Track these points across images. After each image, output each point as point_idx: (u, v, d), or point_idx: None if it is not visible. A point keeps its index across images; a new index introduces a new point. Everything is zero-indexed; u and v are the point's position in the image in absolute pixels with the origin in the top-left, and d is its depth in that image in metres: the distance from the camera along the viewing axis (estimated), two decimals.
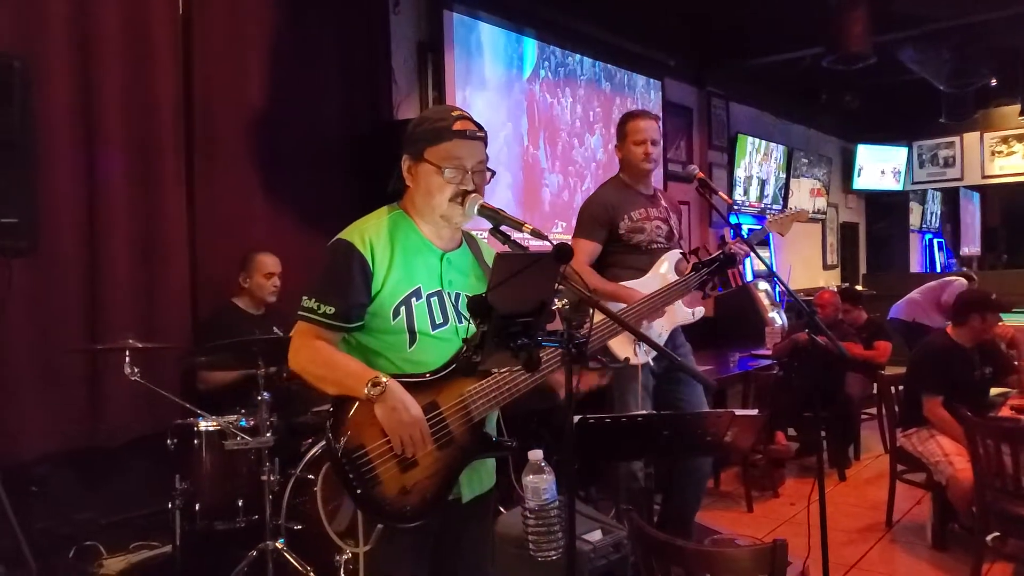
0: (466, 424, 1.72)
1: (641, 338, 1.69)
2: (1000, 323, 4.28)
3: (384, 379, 1.64)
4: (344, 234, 1.76)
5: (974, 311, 3.80)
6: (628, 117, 3.25)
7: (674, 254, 3.07)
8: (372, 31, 4.40)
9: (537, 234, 1.61)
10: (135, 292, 3.41)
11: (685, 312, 3.03)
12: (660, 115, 5.15)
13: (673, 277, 2.95)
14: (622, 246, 3.12)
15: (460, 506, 1.78)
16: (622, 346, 2.95)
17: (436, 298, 1.77)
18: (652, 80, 6.56)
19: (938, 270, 11.52)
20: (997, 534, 3.24)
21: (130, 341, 2.93)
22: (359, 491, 1.66)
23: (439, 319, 1.76)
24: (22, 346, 3.06)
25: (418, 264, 1.77)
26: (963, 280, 7.26)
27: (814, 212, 9.23)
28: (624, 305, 2.80)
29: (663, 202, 3.27)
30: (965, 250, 12.26)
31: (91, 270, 3.28)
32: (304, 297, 1.74)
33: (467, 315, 1.77)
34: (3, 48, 2.89)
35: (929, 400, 3.72)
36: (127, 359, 2.89)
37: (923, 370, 3.84)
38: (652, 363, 3.03)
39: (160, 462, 3.05)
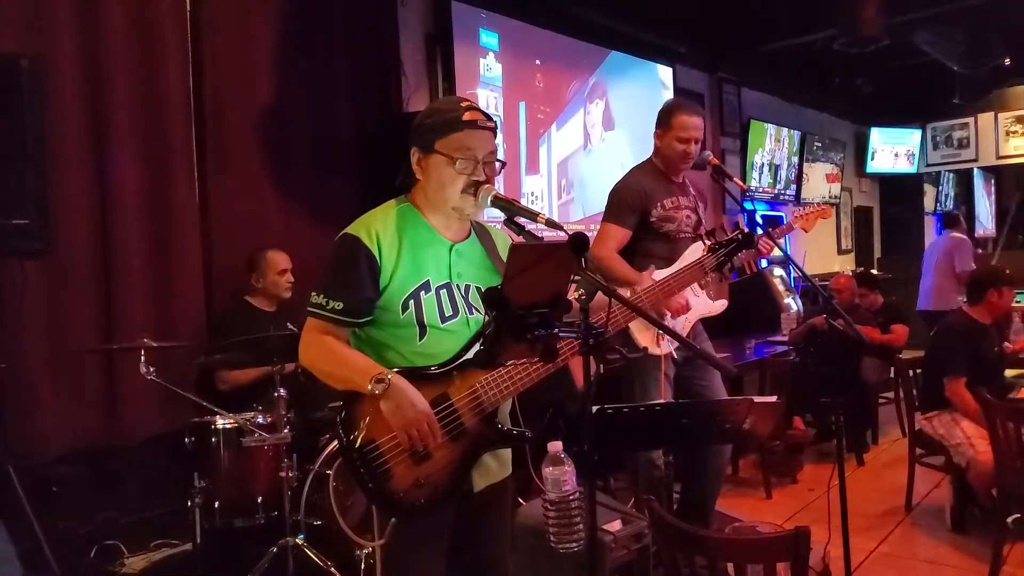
0: (478, 415, 1.71)
1: (660, 327, 1.67)
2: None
3: (388, 375, 1.63)
4: (351, 228, 1.75)
5: (990, 287, 3.82)
6: (677, 109, 3.11)
7: (699, 244, 3.03)
8: (380, 24, 4.38)
9: (552, 224, 1.59)
10: (149, 291, 3.42)
11: (708, 303, 3.00)
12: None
13: None
14: (651, 234, 3.07)
15: (473, 496, 1.77)
16: (644, 335, 2.92)
17: (445, 290, 1.76)
18: (664, 68, 6.51)
19: None
20: (1018, 515, 3.21)
21: (145, 340, 2.94)
22: (371, 485, 1.66)
23: (448, 311, 1.75)
24: (38, 347, 3.08)
25: (427, 257, 1.75)
26: (956, 234, 7.10)
27: (829, 197, 9.16)
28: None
29: (692, 190, 3.23)
30: (980, 231, 12.10)
31: (104, 270, 3.30)
32: (312, 293, 1.73)
33: (478, 307, 1.77)
34: (11, 47, 2.89)
35: (952, 381, 3.69)
36: (142, 358, 2.90)
37: (945, 351, 3.81)
38: (675, 353, 3.01)
39: (178, 460, 3.06)
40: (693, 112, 3.10)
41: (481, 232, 1.88)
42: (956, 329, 3.86)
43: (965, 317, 3.88)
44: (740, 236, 2.76)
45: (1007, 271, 3.98)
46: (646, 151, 3.28)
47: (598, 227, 3.24)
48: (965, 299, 4.02)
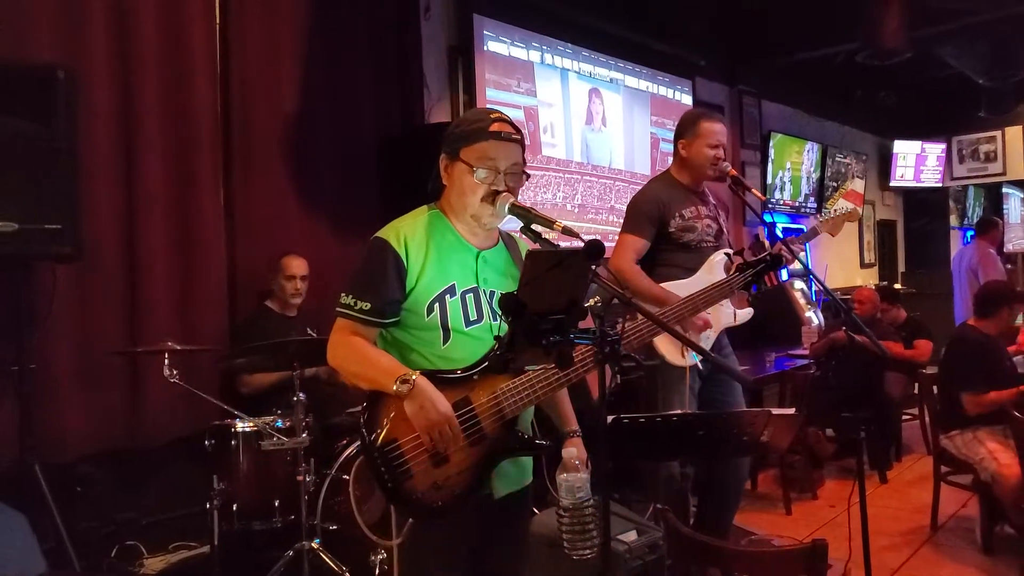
0: (498, 421, 1.72)
1: (680, 338, 1.67)
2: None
3: (413, 376, 1.66)
4: (381, 232, 1.80)
5: (1004, 303, 3.86)
6: (701, 117, 3.15)
7: (721, 254, 3.01)
8: (403, 36, 4.44)
9: (569, 232, 1.61)
10: (174, 295, 3.48)
11: (732, 314, 2.99)
12: None
13: (720, 277, 2.87)
14: (672, 244, 3.06)
15: (493, 502, 1.78)
16: (667, 345, 2.91)
17: (471, 295, 1.79)
18: (683, 80, 6.51)
19: None
20: None
21: (169, 343, 2.99)
22: (390, 484, 1.68)
23: (473, 316, 1.78)
24: (66, 349, 3.14)
25: (453, 262, 1.79)
26: (984, 245, 6.85)
27: None
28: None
29: (712, 200, 3.22)
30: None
31: (131, 274, 3.36)
32: (342, 294, 1.78)
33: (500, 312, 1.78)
34: (48, 59, 2.97)
35: (971, 397, 3.66)
36: (166, 361, 2.95)
37: (960, 367, 3.77)
38: (700, 366, 2.98)
39: (198, 463, 3.11)
40: (716, 119, 3.16)
41: (508, 241, 1.93)
42: (968, 344, 3.84)
43: (974, 331, 3.87)
44: (769, 257, 2.72)
45: (1020, 289, 3.96)
46: None
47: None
48: (973, 312, 3.99)
